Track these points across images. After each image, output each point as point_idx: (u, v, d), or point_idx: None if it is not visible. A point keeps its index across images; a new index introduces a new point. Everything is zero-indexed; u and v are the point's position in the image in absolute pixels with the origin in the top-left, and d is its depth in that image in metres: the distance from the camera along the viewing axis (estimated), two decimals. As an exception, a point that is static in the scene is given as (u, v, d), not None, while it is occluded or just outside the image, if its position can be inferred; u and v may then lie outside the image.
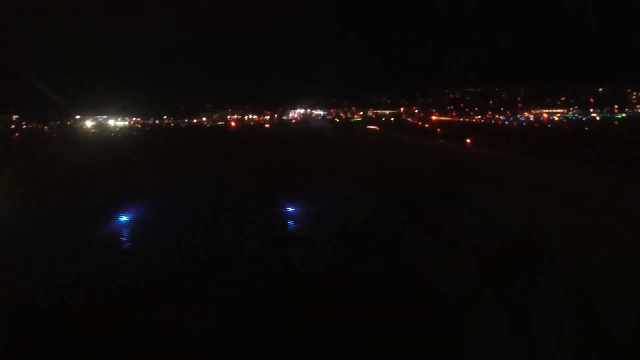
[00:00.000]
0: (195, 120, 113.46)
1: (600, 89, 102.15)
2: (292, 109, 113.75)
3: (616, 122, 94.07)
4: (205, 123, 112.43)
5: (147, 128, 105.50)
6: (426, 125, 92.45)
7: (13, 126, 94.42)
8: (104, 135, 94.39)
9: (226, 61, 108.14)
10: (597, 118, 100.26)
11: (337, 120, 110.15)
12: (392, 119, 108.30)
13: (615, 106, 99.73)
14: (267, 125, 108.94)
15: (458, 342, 13.01)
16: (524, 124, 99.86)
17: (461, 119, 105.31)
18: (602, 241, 14.03)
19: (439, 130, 78.79)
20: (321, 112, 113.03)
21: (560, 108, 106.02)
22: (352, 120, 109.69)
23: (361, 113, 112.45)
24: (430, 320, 14.27)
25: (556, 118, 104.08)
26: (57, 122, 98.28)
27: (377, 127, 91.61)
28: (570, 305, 12.39)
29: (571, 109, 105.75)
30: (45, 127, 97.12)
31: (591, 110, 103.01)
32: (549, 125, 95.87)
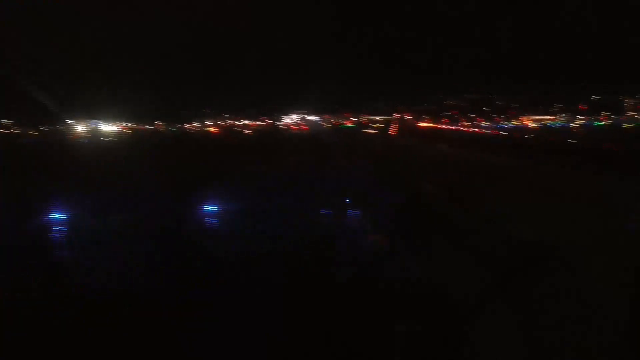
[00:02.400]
0: (186, 126, 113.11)
1: (594, 97, 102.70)
2: (284, 114, 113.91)
3: (575, 129, 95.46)
4: (192, 128, 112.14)
5: (128, 132, 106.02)
6: (391, 132, 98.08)
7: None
8: (69, 141, 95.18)
9: (219, 67, 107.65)
10: (573, 125, 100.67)
11: (328, 126, 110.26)
12: (382, 125, 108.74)
13: (604, 113, 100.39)
14: (247, 132, 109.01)
15: (467, 345, 13.34)
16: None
17: (443, 126, 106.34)
18: (611, 245, 14.36)
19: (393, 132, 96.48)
20: (315, 118, 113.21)
21: (551, 115, 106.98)
22: (341, 126, 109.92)
23: (353, 119, 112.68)
24: (437, 323, 14.57)
25: (532, 125, 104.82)
26: (47, 127, 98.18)
27: (375, 131, 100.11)
28: (580, 310, 12.71)
29: (559, 116, 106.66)
30: (35, 132, 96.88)
31: (579, 117, 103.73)
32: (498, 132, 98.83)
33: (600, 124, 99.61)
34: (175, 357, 13.48)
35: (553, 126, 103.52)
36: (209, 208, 27.13)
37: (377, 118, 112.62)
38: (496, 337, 13.53)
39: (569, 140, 62.68)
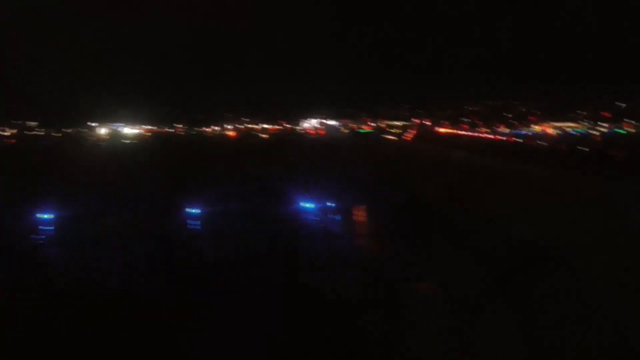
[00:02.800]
0: (208, 130, 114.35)
1: (619, 104, 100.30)
2: (304, 118, 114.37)
3: (598, 137, 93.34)
4: (210, 132, 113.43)
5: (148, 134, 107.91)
6: (404, 137, 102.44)
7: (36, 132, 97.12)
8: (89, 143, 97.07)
9: (241, 71, 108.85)
10: (595, 132, 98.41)
11: (346, 131, 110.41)
12: (400, 130, 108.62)
13: (628, 120, 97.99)
14: (264, 136, 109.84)
15: (468, 342, 13.30)
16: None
17: (463, 132, 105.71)
18: (609, 245, 14.27)
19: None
20: (334, 123, 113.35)
21: (574, 121, 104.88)
22: (359, 131, 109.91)
23: (373, 124, 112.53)
24: (438, 321, 14.55)
25: (552, 132, 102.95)
26: (70, 129, 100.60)
27: (394, 137, 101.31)
28: (580, 310, 12.64)
29: (585, 122, 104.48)
30: (58, 134, 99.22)
31: (602, 124, 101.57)
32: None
33: (623, 131, 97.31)
34: (170, 355, 13.62)
35: (574, 133, 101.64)
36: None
37: (396, 123, 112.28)
38: (496, 337, 13.47)
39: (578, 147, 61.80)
